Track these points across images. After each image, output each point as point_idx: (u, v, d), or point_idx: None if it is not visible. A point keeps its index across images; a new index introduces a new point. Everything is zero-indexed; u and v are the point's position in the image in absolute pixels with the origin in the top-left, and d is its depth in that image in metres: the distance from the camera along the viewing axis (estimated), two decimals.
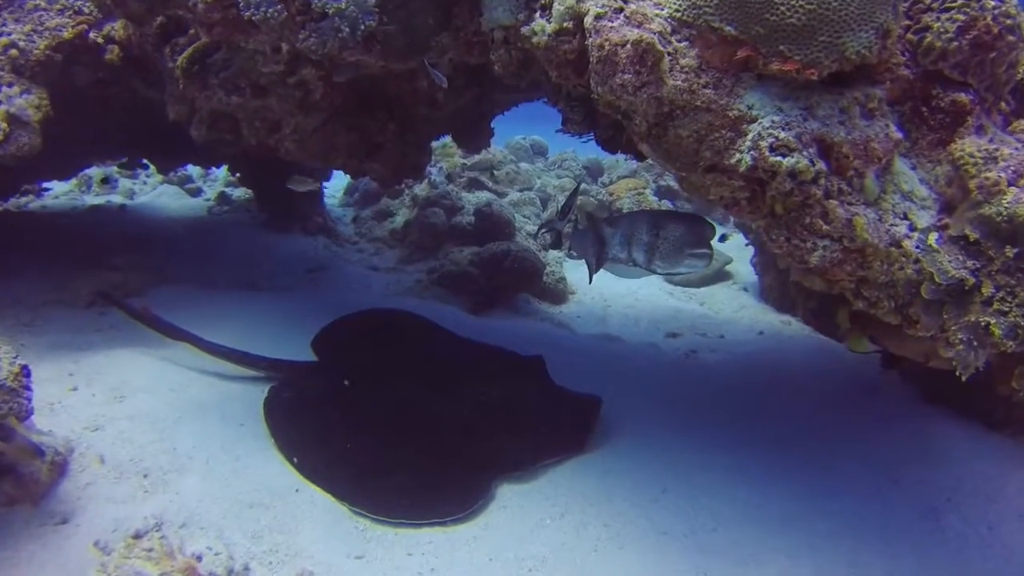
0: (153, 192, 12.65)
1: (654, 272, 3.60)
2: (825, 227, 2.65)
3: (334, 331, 5.21)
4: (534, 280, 7.53)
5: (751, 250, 8.53)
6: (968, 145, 2.84)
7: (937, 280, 2.79)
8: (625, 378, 5.40)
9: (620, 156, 4.24)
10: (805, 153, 2.54)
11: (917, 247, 2.77)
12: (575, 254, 4.64)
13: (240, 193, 11.51)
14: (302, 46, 3.47)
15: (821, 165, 2.57)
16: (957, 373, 2.84)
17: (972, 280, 2.82)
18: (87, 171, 12.72)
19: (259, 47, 4.33)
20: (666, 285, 8.95)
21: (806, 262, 2.70)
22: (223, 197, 11.42)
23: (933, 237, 2.80)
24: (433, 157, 10.52)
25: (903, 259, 2.78)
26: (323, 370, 4.78)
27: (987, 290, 2.84)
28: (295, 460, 3.91)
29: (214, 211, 10.91)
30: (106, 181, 11.95)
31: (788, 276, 7.71)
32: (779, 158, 2.52)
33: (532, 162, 13.02)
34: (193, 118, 5.05)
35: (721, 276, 9.13)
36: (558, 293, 7.91)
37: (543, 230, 5.32)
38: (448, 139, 11.04)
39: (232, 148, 5.32)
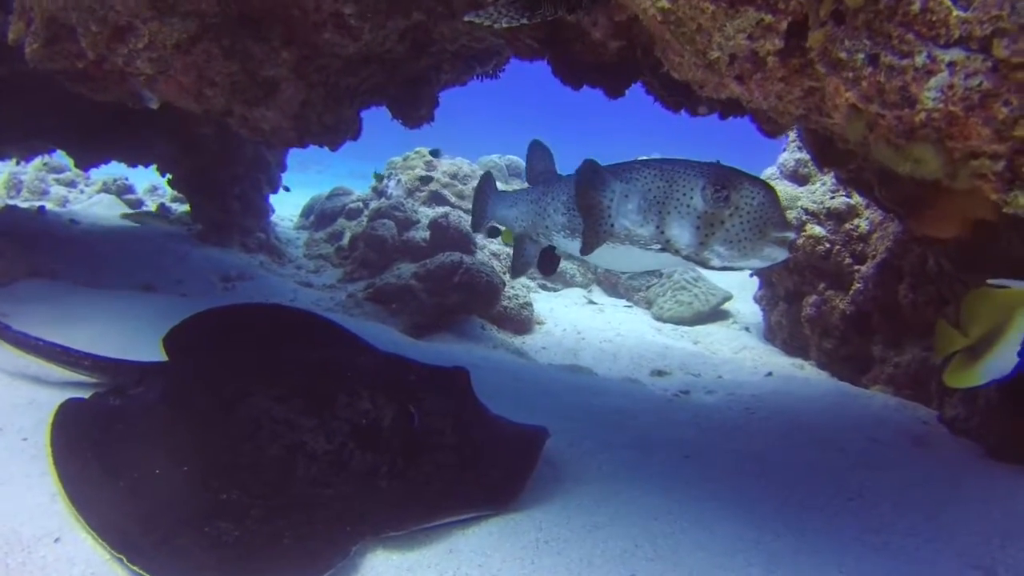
0: (88, 201, 11.40)
1: (704, 264, 2.19)
2: (957, 12, 1.30)
3: (198, 325, 3.84)
4: (490, 300, 6.18)
5: (754, 284, 7.20)
6: None
7: None
8: (592, 415, 4.00)
9: None
10: None
11: None
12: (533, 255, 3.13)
13: (185, 209, 10.30)
14: None
15: None
16: None
17: None
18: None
19: None
20: (653, 321, 7.58)
21: (913, 103, 1.34)
22: (162, 209, 10.21)
23: None
24: (393, 170, 9.32)
25: None
26: (166, 374, 3.40)
27: None
28: (70, 492, 2.55)
29: (147, 223, 9.68)
30: None
31: (799, 312, 6.38)
32: None
33: (507, 183, 11.65)
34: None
35: (718, 315, 7.77)
36: (521, 320, 6.53)
37: None
38: (412, 152, 9.99)
39: (84, 85, 4.04)
